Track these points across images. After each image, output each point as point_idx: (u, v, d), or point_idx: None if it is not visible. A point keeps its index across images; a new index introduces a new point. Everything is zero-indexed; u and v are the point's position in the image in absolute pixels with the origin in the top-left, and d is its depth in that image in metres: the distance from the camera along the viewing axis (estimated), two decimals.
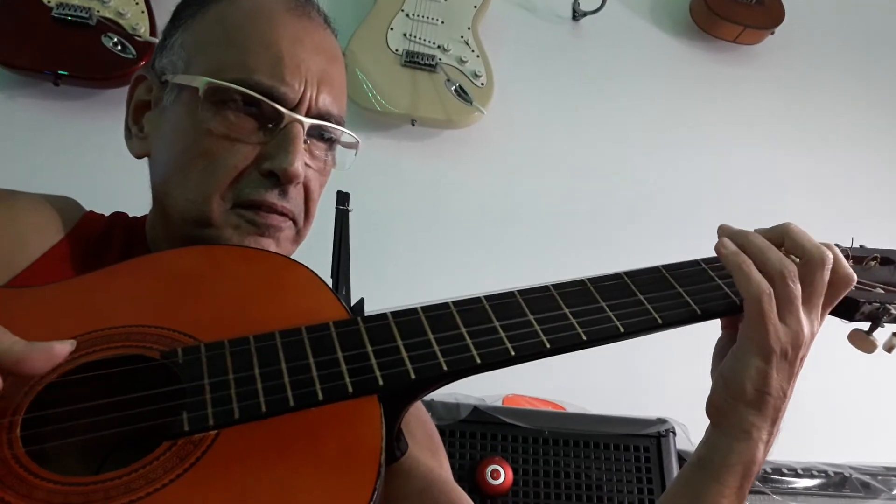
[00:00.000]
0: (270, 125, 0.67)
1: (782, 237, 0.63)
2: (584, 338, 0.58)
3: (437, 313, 0.58)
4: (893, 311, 0.68)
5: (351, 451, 0.48)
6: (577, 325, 0.59)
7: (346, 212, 1.46)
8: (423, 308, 0.58)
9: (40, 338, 0.50)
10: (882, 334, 0.70)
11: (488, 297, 0.60)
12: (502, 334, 0.57)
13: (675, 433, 1.25)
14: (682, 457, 1.25)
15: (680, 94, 1.95)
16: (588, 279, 0.63)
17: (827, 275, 0.60)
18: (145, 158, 0.74)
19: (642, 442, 1.24)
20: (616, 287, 0.62)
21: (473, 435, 1.20)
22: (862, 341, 0.68)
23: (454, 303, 0.59)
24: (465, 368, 0.55)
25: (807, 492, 1.29)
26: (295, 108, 0.67)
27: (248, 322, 0.57)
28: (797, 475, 1.29)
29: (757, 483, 1.28)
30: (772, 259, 0.60)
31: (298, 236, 0.72)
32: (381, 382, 0.52)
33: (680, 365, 1.51)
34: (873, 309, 0.67)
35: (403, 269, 1.66)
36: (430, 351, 0.55)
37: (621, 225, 1.79)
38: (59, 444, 0.50)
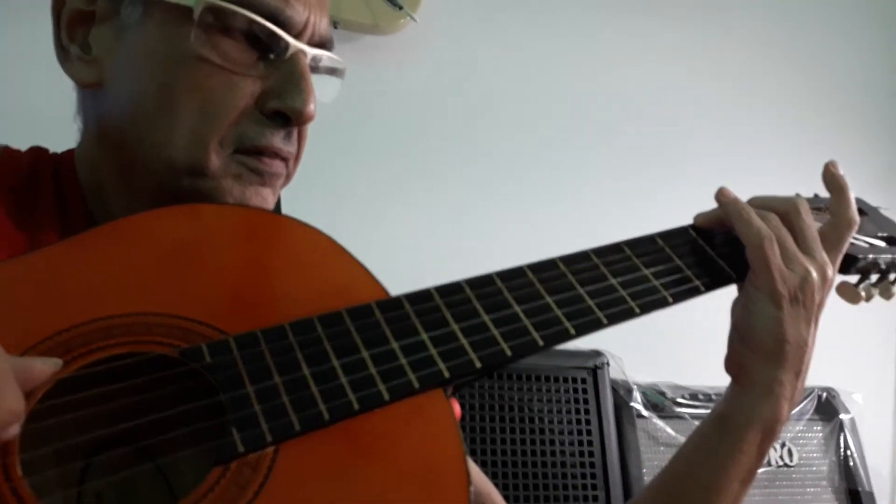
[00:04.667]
0: (272, 55, 0.57)
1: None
2: (638, 311, 0.56)
3: (486, 290, 0.53)
4: (882, 265, 0.71)
5: (432, 458, 0.43)
6: (628, 298, 0.57)
7: None
8: (468, 283, 0.53)
9: (7, 340, 0.39)
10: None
11: (532, 268, 0.56)
12: (558, 312, 0.54)
13: (609, 364, 1.29)
14: (614, 387, 1.30)
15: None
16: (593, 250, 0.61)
17: (807, 219, 0.62)
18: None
19: (579, 374, 1.27)
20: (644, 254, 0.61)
21: None
22: (850, 293, 0.72)
23: (499, 275, 0.55)
24: (528, 352, 0.51)
25: None
26: (298, 36, 0.58)
27: (272, 303, 0.49)
28: (710, 400, 1.38)
29: (676, 408, 1.36)
30: (756, 210, 0.62)
31: (287, 180, 0.64)
32: (446, 375, 0.47)
33: None
34: (867, 263, 0.70)
35: (322, 181, 1.55)
36: (489, 336, 0.50)
37: (549, 142, 1.76)
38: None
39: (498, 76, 1.77)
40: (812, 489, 1.39)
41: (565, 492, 1.19)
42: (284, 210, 1.24)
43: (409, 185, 1.65)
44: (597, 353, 1.29)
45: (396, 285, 0.54)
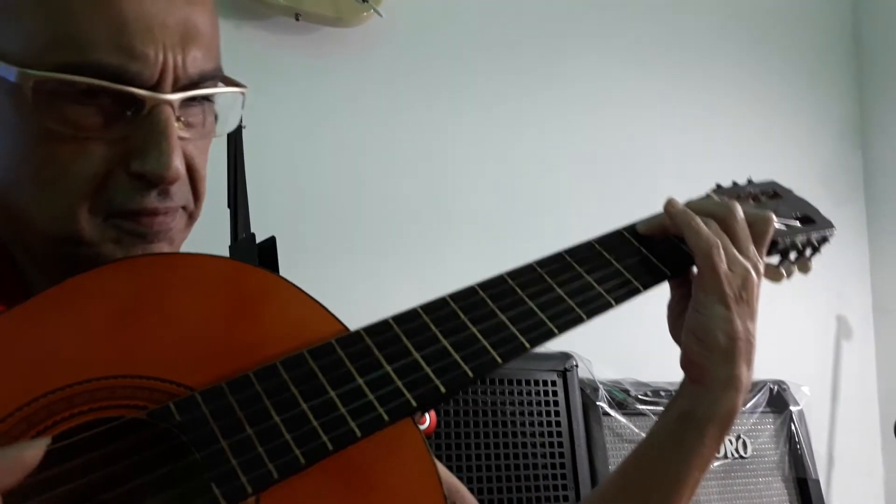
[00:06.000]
0: (129, 112, 0.52)
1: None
2: (585, 318, 0.58)
3: (441, 314, 0.54)
4: (799, 245, 0.76)
5: (410, 485, 0.46)
6: (575, 307, 0.58)
7: (240, 128, 1.27)
8: (424, 309, 0.54)
9: None
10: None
11: (482, 286, 0.57)
12: (512, 328, 0.55)
13: (577, 366, 1.32)
14: (581, 387, 1.33)
15: None
16: (535, 262, 0.62)
17: (741, 218, 0.67)
18: None
19: (550, 376, 1.29)
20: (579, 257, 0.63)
21: None
22: (772, 273, 0.76)
23: (452, 298, 0.55)
24: (489, 370, 0.53)
25: None
26: (157, 85, 0.51)
27: (232, 351, 0.48)
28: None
29: (639, 405, 1.40)
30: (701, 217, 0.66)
31: (191, 220, 0.59)
32: (414, 404, 0.48)
33: None
34: (785, 245, 0.75)
35: (278, 176, 1.52)
36: (451, 360, 0.51)
37: (515, 137, 1.77)
38: None
39: (462, 70, 1.76)
40: (764, 479, 1.46)
41: (537, 493, 1.21)
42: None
43: (369, 180, 1.64)
44: (566, 356, 1.32)
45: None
